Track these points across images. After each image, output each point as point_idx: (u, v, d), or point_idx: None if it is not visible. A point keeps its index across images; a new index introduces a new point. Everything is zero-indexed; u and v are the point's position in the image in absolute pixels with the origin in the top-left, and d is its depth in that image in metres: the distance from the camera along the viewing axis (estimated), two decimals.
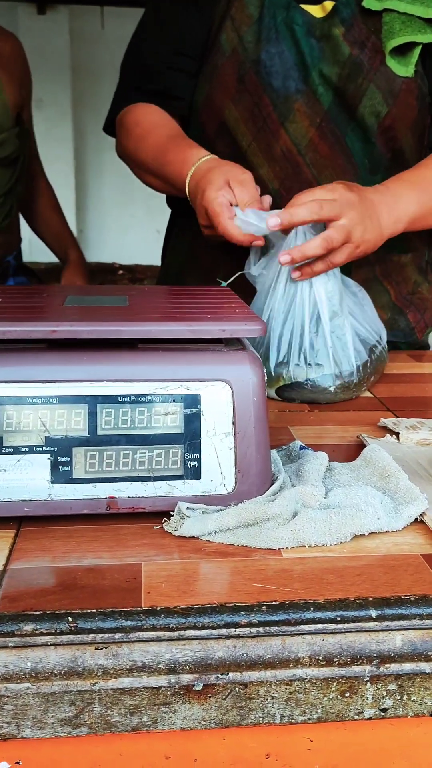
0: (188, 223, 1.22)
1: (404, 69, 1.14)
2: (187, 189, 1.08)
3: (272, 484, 0.67)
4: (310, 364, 1.00)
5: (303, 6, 1.13)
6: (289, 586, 0.56)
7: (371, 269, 1.23)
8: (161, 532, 0.64)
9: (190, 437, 0.64)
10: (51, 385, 0.63)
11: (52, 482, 0.63)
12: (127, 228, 3.45)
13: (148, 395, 0.64)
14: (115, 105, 1.24)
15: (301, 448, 0.78)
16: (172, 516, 0.64)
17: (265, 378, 0.67)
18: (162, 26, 1.19)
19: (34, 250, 2.94)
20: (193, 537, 0.62)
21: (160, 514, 0.65)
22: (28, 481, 0.63)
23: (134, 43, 1.23)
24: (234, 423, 0.65)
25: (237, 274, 1.03)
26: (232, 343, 0.68)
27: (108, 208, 3.44)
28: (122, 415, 0.64)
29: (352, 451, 0.82)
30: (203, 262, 1.25)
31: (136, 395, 0.64)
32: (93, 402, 0.64)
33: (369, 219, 0.99)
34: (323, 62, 1.13)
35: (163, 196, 1.29)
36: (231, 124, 1.15)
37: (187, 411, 0.64)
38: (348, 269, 1.16)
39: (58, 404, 0.63)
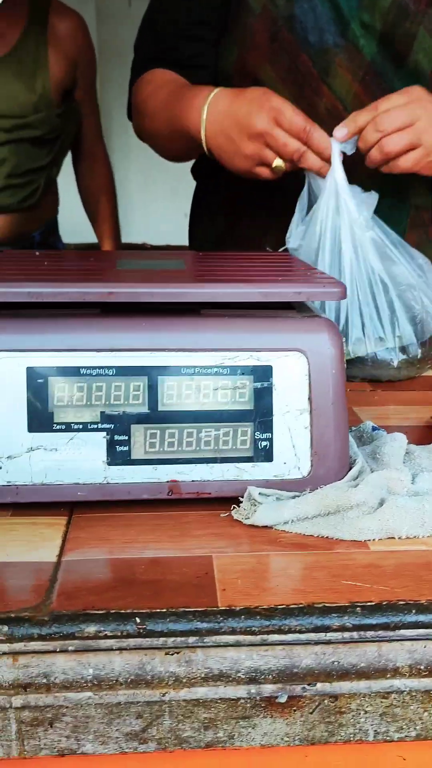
0: (216, 201, 1.14)
1: None
2: (203, 127, 0.97)
3: (350, 468, 0.60)
4: (370, 338, 0.93)
5: None
6: (383, 584, 0.49)
7: (425, 231, 1.15)
8: (229, 521, 0.57)
9: (260, 414, 0.57)
10: (107, 354, 0.56)
11: (109, 464, 0.57)
12: (153, 211, 3.37)
13: (213, 366, 0.57)
14: (132, 79, 1.15)
15: (374, 428, 0.71)
16: (242, 502, 0.57)
17: (344, 348, 0.59)
18: None
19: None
20: (267, 526, 0.55)
21: (227, 500, 0.58)
22: (81, 462, 0.56)
23: (149, 16, 1.15)
24: (310, 399, 0.58)
25: (282, 248, 0.97)
26: (305, 310, 0.61)
27: (133, 191, 3.37)
28: (186, 389, 0.57)
29: (424, 433, 0.75)
30: (245, 234, 1.17)
31: (200, 366, 0.57)
32: (153, 374, 0.57)
33: None
34: (363, 11, 1.04)
35: (190, 180, 1.22)
36: (268, 84, 1.08)
37: (258, 385, 0.57)
38: (403, 230, 1.08)
39: (114, 376, 0.56)
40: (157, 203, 3.57)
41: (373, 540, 0.54)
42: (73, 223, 1.98)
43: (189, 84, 1.05)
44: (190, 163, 1.22)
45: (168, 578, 0.49)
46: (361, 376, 0.93)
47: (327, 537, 0.54)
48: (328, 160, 0.93)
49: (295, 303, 0.63)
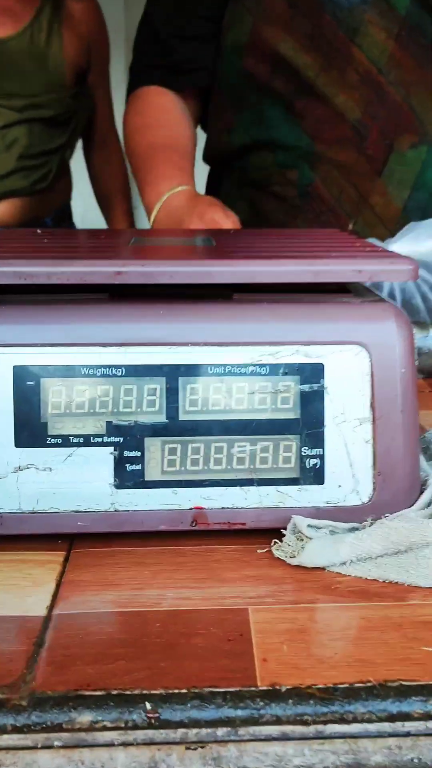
0: (247, 175, 1.03)
1: None
2: (155, 213, 0.90)
3: (422, 491, 0.48)
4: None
5: None
6: None
7: None
8: (269, 559, 0.45)
9: (309, 425, 0.45)
10: (115, 349, 0.45)
11: (117, 486, 0.45)
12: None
13: (249, 365, 0.45)
14: (129, 87, 1.07)
15: None
16: (285, 536, 0.45)
17: (415, 342, 0.47)
18: None
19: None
20: (318, 568, 0.43)
21: (266, 533, 0.46)
22: (82, 485, 0.45)
23: (146, 13, 1.06)
24: (373, 405, 0.46)
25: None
26: (364, 293, 0.49)
27: None
28: (214, 393, 0.45)
29: None
30: (271, 219, 1.06)
31: (232, 365, 0.45)
32: (173, 374, 0.45)
33: None
34: None
35: (203, 166, 1.12)
36: (290, 57, 0.96)
37: (305, 387, 0.45)
38: None
39: (124, 376, 0.45)
40: None
41: None
42: (85, 210, 1.89)
43: (168, 154, 0.96)
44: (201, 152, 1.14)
45: (190, 641, 0.37)
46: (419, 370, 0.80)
47: (397, 583, 0.42)
48: None
49: (352, 285, 0.51)
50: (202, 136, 1.14)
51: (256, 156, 1.02)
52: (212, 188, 1.16)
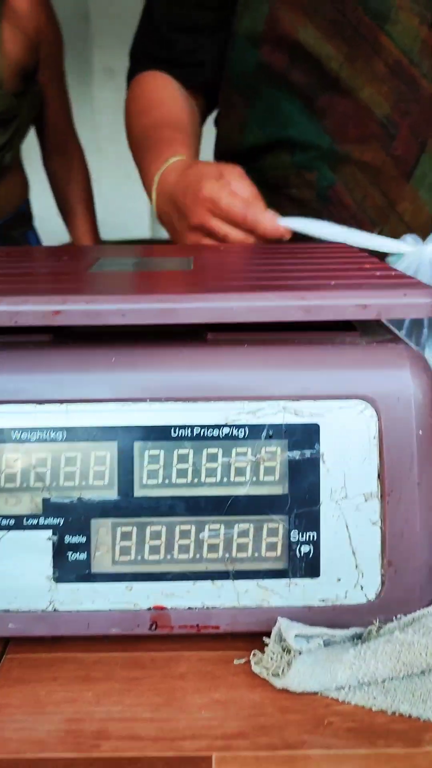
0: (268, 177, 0.95)
1: None
2: (154, 194, 0.83)
3: None
4: None
5: None
6: None
7: None
8: (247, 674, 0.35)
9: (299, 503, 0.36)
10: (55, 407, 0.36)
11: (56, 580, 0.36)
12: None
13: (224, 425, 0.36)
14: (129, 74, 1.01)
15: None
16: (269, 645, 0.35)
17: None
18: None
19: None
20: (309, 692, 0.34)
21: (247, 637, 0.37)
22: (14, 577, 0.36)
23: (146, 3, 0.98)
24: (382, 476, 0.36)
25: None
26: (373, 331, 0.39)
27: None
28: (179, 462, 0.36)
29: None
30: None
31: (203, 426, 0.36)
32: (127, 438, 0.36)
33: None
34: None
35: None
36: (310, 46, 0.87)
37: (295, 455, 0.36)
38: None
39: (65, 441, 0.36)
40: None
41: None
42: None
43: (162, 133, 0.89)
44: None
45: None
46: None
47: (410, 716, 0.32)
48: (280, 237, 0.74)
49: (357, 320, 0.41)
50: (211, 133, 1.06)
51: (270, 155, 0.93)
52: None
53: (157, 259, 0.48)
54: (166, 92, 0.95)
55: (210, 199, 0.74)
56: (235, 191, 0.74)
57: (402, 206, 0.88)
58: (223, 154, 1.01)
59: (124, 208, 2.86)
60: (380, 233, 0.88)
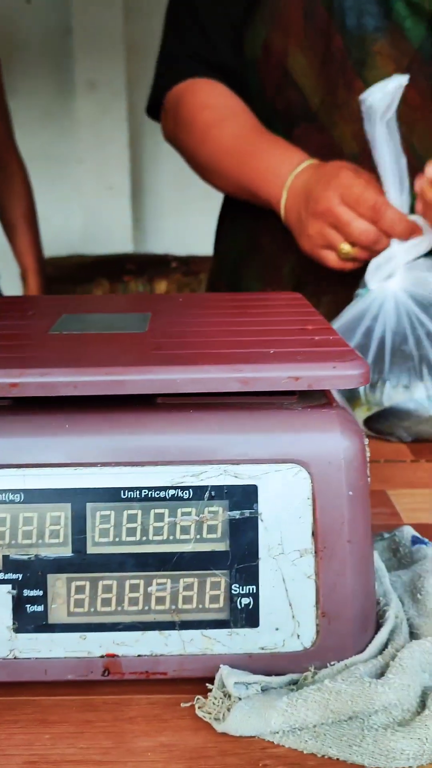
0: (246, 204, 0.97)
1: None
2: (284, 199, 0.84)
3: (379, 627, 0.41)
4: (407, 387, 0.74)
5: None
6: None
7: None
8: (192, 717, 0.38)
9: (240, 558, 0.39)
10: (11, 471, 0.38)
11: (16, 630, 0.39)
12: (186, 215, 3.21)
13: (170, 487, 0.39)
14: (164, 78, 0.97)
15: (415, 541, 0.51)
16: (212, 691, 0.38)
17: (368, 454, 0.40)
18: None
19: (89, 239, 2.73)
20: (246, 736, 0.37)
21: (192, 682, 0.40)
22: None
23: (177, 4, 0.97)
24: (315, 534, 0.39)
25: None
26: (312, 395, 0.42)
27: (165, 195, 3.20)
28: (128, 521, 0.39)
29: None
30: (266, 252, 0.99)
31: (151, 488, 0.39)
32: (80, 499, 0.39)
33: None
34: None
35: None
36: (297, 75, 0.90)
37: (236, 514, 0.39)
38: None
39: (22, 503, 0.38)
40: (191, 206, 3.41)
41: None
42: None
43: (266, 136, 0.90)
44: None
45: None
46: (399, 435, 0.73)
47: (338, 759, 0.35)
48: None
49: None
50: None
51: None
52: (222, 215, 1.09)
53: (116, 317, 0.51)
54: (235, 101, 0.94)
55: (344, 184, 0.78)
56: (369, 183, 0.78)
57: None
58: None
59: (105, 219, 2.87)
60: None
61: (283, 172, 0.85)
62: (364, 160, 0.89)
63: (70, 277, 2.27)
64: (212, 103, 0.94)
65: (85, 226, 1.83)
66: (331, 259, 0.81)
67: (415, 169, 0.87)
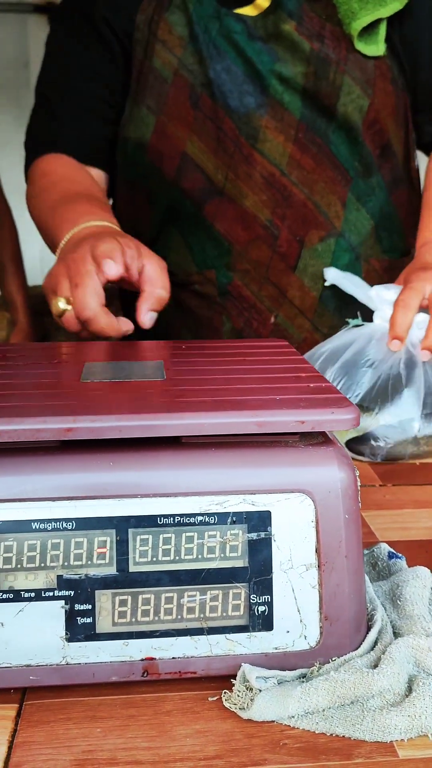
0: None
1: (375, 48, 0.98)
2: (63, 242, 0.85)
3: (368, 628, 0.49)
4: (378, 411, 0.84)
5: (236, 11, 0.96)
6: None
7: None
8: (219, 708, 0.45)
9: (257, 573, 0.46)
10: (64, 503, 0.45)
11: (68, 639, 0.45)
12: None
13: (198, 514, 0.46)
14: (29, 153, 1.05)
15: (391, 556, 0.60)
16: (235, 686, 0.46)
17: (359, 483, 0.49)
18: (67, 69, 1.01)
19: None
20: (268, 720, 0.44)
21: (218, 679, 0.47)
22: (34, 639, 0.45)
23: (42, 84, 1.04)
24: (318, 551, 0.47)
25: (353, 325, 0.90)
26: (311, 434, 0.50)
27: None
28: (163, 544, 0.46)
29: None
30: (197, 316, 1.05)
31: (181, 515, 0.46)
32: (123, 526, 0.46)
33: None
34: (280, 65, 0.96)
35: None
36: (197, 158, 0.98)
37: (253, 536, 0.46)
38: None
39: (74, 530, 0.45)
40: None
41: (402, 740, 0.43)
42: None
43: (70, 200, 0.92)
44: None
45: None
46: (371, 455, 0.82)
47: (344, 736, 0.43)
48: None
49: None
50: None
51: (174, 253, 1.02)
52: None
53: (134, 365, 0.59)
54: (70, 168, 1.00)
55: (104, 249, 0.74)
56: (126, 245, 0.75)
57: (291, 294, 1.02)
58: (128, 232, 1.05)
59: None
60: (276, 317, 1.02)
61: (77, 222, 0.84)
62: (277, 222, 0.99)
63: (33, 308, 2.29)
64: (48, 171, 0.99)
65: (42, 257, 1.86)
66: (52, 305, 0.75)
67: (321, 223, 0.98)
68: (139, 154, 1.00)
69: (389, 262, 1.07)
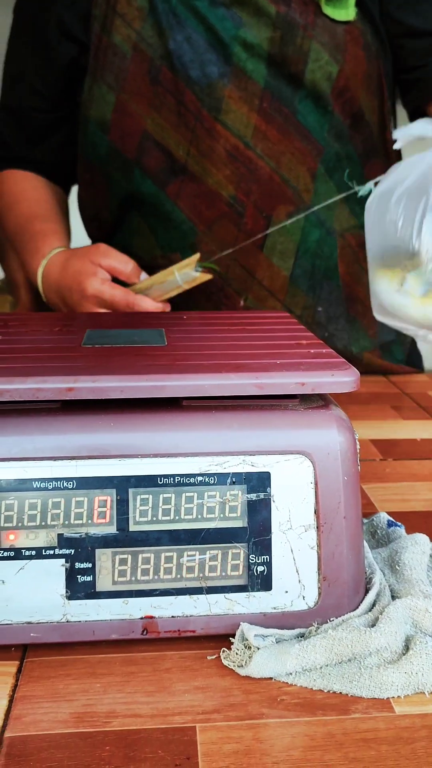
0: None
1: (344, 12, 0.94)
2: (41, 286, 0.95)
3: (367, 591, 0.49)
4: None
5: None
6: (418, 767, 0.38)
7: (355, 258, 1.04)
8: (218, 666, 0.46)
9: (256, 533, 0.47)
10: (65, 463, 0.46)
11: (68, 597, 0.46)
12: None
13: (197, 474, 0.46)
14: None
15: (390, 524, 0.60)
16: (234, 644, 0.46)
17: (358, 447, 0.49)
18: (12, 73, 1.03)
19: None
20: (265, 677, 0.45)
21: (217, 638, 0.47)
22: (34, 597, 0.46)
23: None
24: (317, 512, 0.47)
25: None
26: (311, 398, 0.51)
27: None
28: (163, 503, 0.46)
29: None
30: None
31: (182, 475, 0.46)
32: (123, 485, 0.46)
33: None
34: (245, 30, 0.92)
35: None
36: (158, 135, 0.96)
37: (252, 496, 0.47)
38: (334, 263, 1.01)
39: (75, 489, 0.46)
40: None
41: (399, 696, 0.43)
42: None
43: (29, 222, 0.99)
44: None
45: (139, 767, 0.38)
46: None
47: (341, 693, 0.44)
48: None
49: None
50: None
51: (138, 237, 1.01)
52: None
53: (134, 332, 0.59)
54: (27, 184, 1.03)
55: (94, 296, 0.86)
56: (114, 285, 0.87)
57: (260, 274, 0.99)
58: (91, 220, 1.07)
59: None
60: (246, 300, 0.99)
61: (34, 267, 0.95)
62: (242, 198, 0.96)
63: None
64: (2, 193, 1.04)
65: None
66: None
67: (290, 197, 0.95)
68: (99, 135, 0.98)
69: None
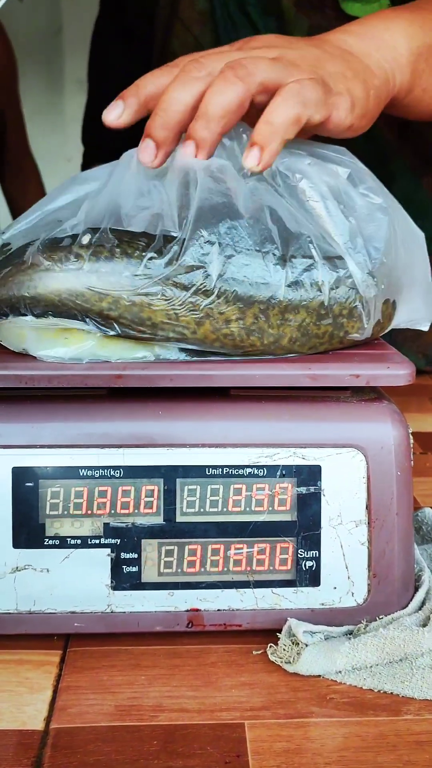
0: None
1: (372, 7, 0.90)
2: None
3: (416, 588, 0.48)
4: None
5: None
6: None
7: None
8: (264, 661, 0.45)
9: (305, 527, 0.46)
10: (112, 451, 0.45)
11: (113, 588, 0.45)
12: None
13: (247, 466, 0.45)
14: (85, 164, 1.09)
15: None
16: (281, 639, 0.45)
17: (411, 441, 0.47)
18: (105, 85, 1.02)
19: None
20: (314, 675, 0.44)
21: (262, 633, 0.46)
22: (79, 586, 0.45)
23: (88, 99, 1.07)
24: (369, 507, 0.46)
25: None
26: (362, 390, 0.49)
27: None
28: (211, 495, 0.45)
29: None
30: None
31: (230, 466, 0.45)
32: (171, 476, 0.45)
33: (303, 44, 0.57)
34: None
35: None
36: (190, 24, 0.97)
37: (302, 490, 0.46)
38: None
39: (122, 478, 0.45)
40: None
41: None
42: None
43: None
44: None
45: (188, 764, 0.38)
46: None
47: (392, 693, 0.42)
48: None
49: None
50: None
51: None
52: None
53: None
54: None
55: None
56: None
57: None
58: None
59: None
60: None
61: None
62: None
63: None
64: None
65: None
66: None
67: None
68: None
69: None
